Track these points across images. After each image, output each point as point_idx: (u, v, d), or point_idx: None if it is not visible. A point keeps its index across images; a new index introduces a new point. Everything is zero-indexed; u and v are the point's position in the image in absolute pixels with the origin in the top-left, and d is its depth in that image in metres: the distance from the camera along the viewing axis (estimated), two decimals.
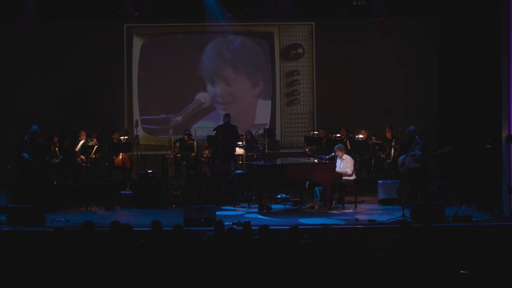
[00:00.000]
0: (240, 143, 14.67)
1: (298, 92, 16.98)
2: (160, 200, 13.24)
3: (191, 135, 14.78)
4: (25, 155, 11.90)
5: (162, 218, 9.64)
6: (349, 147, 14.71)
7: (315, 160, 13.28)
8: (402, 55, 16.48)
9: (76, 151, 14.45)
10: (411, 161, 12.05)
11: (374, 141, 15.34)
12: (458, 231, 10.49)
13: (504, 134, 11.69)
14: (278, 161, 13.62)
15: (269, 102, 16.94)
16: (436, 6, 15.77)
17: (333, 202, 12.73)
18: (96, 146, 14.25)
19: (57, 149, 13.82)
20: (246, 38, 16.93)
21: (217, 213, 11.42)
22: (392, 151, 14.68)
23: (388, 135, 15.09)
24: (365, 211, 12.52)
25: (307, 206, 12.90)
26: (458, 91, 15.01)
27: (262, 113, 16.96)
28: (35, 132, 12.05)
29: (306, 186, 13.21)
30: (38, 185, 12.11)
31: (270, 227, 8.62)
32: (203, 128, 15.36)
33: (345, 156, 13.02)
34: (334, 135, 15.15)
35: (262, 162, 13.33)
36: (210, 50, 16.85)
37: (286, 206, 13.07)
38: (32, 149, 11.96)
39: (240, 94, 16.94)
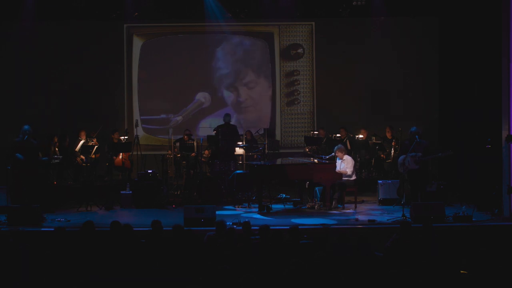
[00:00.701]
0: (240, 143, 14.67)
1: (298, 92, 16.97)
2: (160, 200, 13.24)
3: (191, 135, 14.79)
4: (19, 155, 11.93)
5: (162, 218, 9.64)
6: (349, 147, 14.71)
7: (315, 160, 13.29)
8: (402, 55, 16.47)
9: (76, 151, 14.44)
10: (410, 162, 12.06)
11: (374, 141, 15.33)
12: (458, 231, 10.49)
13: (504, 134, 11.69)
14: (278, 161, 13.62)
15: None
16: (436, 6, 15.77)
17: (333, 202, 12.73)
18: (96, 146, 14.25)
19: (57, 149, 13.82)
20: (254, 39, 16.89)
21: (217, 213, 11.42)
22: (392, 151, 14.68)
23: (388, 135, 15.08)
24: (365, 211, 12.52)
25: (307, 206, 12.90)
26: (458, 91, 15.00)
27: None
28: (26, 131, 12.08)
29: (306, 186, 13.21)
30: (36, 185, 12.13)
31: (270, 227, 8.63)
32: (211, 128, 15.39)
33: (346, 157, 13.02)
34: (334, 135, 15.15)
35: (262, 162, 13.33)
36: (222, 58, 16.80)
37: (286, 206, 13.07)
38: (25, 149, 11.98)
39: (257, 97, 16.93)
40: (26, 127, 12.18)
